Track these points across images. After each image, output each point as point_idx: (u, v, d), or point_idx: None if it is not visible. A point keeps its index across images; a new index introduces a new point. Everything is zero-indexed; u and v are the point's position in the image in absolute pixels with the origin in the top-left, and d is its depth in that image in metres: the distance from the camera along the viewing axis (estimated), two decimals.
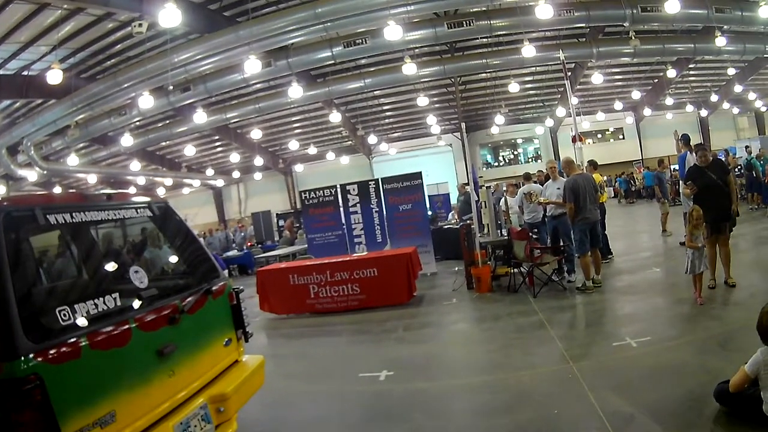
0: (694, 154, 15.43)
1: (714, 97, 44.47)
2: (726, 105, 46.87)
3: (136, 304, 4.96)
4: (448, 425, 6.93)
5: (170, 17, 15.79)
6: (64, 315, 4.17)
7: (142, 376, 4.61)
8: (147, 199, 6.03)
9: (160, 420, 4.69)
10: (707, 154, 11.59)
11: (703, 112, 47.89)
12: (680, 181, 16.64)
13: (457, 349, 10.66)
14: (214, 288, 5.96)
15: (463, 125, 18.44)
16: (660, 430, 5.85)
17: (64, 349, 4.02)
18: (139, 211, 5.87)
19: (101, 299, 4.54)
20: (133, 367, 4.59)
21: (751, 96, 44.83)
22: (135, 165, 40.37)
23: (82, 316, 4.30)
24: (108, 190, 5.76)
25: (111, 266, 5.56)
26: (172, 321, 5.14)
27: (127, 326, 4.64)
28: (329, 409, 7.89)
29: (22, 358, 3.73)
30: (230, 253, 29.02)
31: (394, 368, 9.16)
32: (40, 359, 3.82)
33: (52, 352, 3.92)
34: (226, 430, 5.41)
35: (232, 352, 6.10)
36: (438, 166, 45.56)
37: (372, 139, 43.98)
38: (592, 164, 16.92)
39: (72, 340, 4.12)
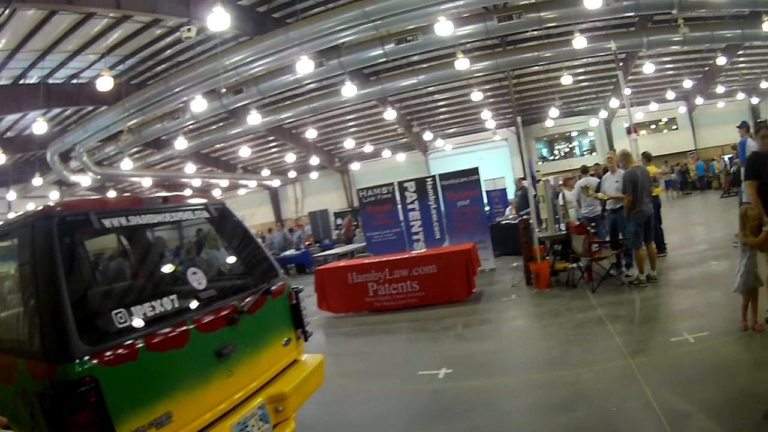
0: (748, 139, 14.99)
1: (764, 84, 43.42)
2: None
3: (195, 305, 5.00)
4: (507, 423, 6.94)
5: (219, 21, 15.91)
6: (121, 317, 4.24)
7: (200, 377, 4.65)
8: (204, 200, 6.06)
9: (217, 420, 4.73)
10: None
11: (755, 100, 47.08)
12: (741, 169, 16.33)
13: (517, 346, 10.66)
14: (273, 288, 5.97)
15: (518, 119, 18.45)
16: (718, 429, 5.80)
17: (120, 351, 4.08)
18: (196, 212, 5.93)
19: (159, 301, 4.60)
20: (192, 368, 4.63)
21: None
22: (190, 167, 40.74)
23: (139, 318, 4.37)
24: (164, 193, 5.76)
25: (168, 268, 5.69)
26: (232, 321, 5.16)
27: (185, 327, 4.68)
28: (388, 408, 7.90)
29: (77, 360, 3.80)
30: (288, 253, 29.16)
31: (453, 366, 9.16)
32: (95, 361, 3.88)
33: (107, 354, 3.99)
34: (283, 430, 5.41)
35: (291, 351, 6.12)
36: (494, 161, 45.31)
37: (427, 135, 43.86)
38: (646, 156, 16.69)
39: (128, 342, 4.17)
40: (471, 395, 7.75)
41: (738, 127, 15.17)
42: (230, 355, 5.00)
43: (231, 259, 6.59)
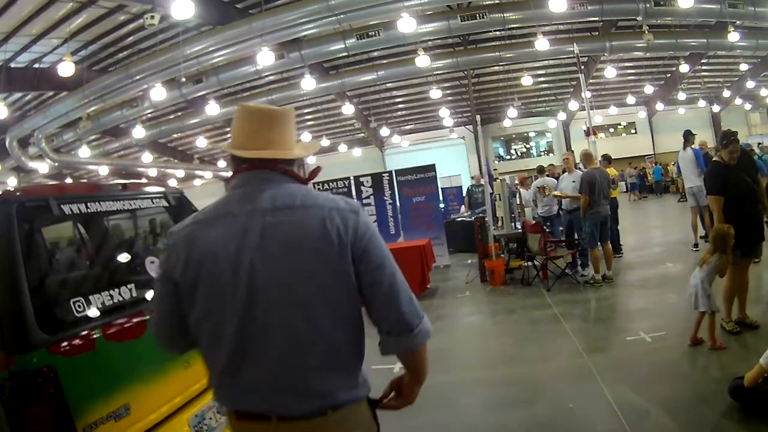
0: (688, 149, 15.16)
1: (726, 93, 44.41)
2: (738, 101, 46.84)
3: (152, 295, 4.86)
4: (462, 419, 6.99)
5: (183, 9, 15.76)
6: (79, 306, 4.12)
7: (157, 368, 4.54)
8: (162, 189, 5.96)
9: (175, 412, 4.64)
10: (738, 149, 8.44)
11: (715, 108, 47.94)
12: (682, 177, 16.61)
13: (472, 342, 10.72)
14: None
15: (477, 118, 18.50)
16: (675, 426, 5.88)
17: (78, 341, 3.95)
18: (154, 201, 5.77)
19: (117, 290, 4.50)
20: (149, 358, 4.49)
21: (764, 92, 44.66)
22: (146, 157, 40.39)
23: (97, 307, 4.25)
24: (122, 181, 5.65)
25: (126, 257, 5.53)
26: None
27: (142, 317, 4.57)
28: None
29: (36, 350, 3.67)
30: None
31: None
32: (53, 352, 3.75)
33: (65, 344, 3.85)
34: None
35: None
36: (450, 158, 45.07)
37: (384, 131, 43.96)
38: (606, 159, 16.80)
39: (86, 332, 4.06)
40: (426, 390, 7.54)
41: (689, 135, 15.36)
42: None
43: None
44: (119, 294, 4.51)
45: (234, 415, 2.75)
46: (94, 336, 4.09)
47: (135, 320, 4.52)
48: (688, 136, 15.17)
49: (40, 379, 3.61)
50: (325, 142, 44.38)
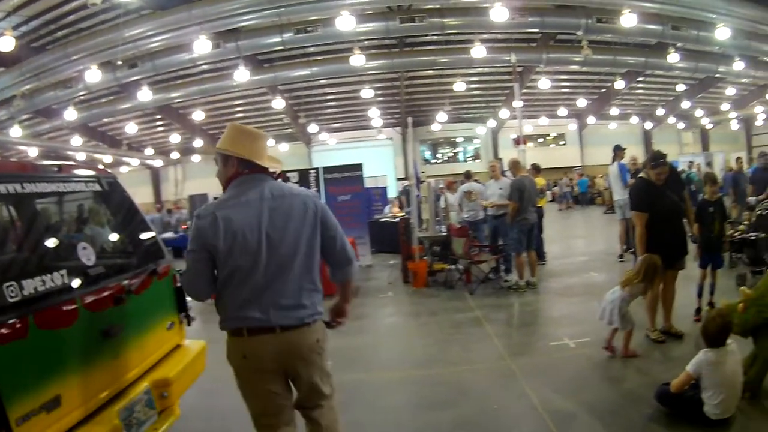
0: (615, 163, 15.56)
1: (660, 111, 45.43)
2: (672, 119, 47.95)
3: (84, 282, 4.74)
4: (388, 418, 7.02)
5: None
6: (12, 291, 3.95)
7: (88, 358, 4.46)
8: (94, 172, 5.84)
9: (105, 405, 4.55)
10: (666, 171, 8.54)
11: (648, 125, 48.97)
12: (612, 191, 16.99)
13: (395, 342, 10.85)
14: (159, 269, 5.78)
15: (409, 120, 18.58)
16: (602, 429, 6.05)
17: (11, 327, 3.81)
18: (88, 184, 5.65)
19: (49, 276, 4.33)
20: (80, 348, 4.42)
21: (698, 113, 45.87)
22: (76, 140, 39.62)
23: (30, 292, 4.09)
24: (56, 162, 5.46)
25: (59, 241, 5.40)
26: (119, 301, 4.95)
27: (74, 305, 4.45)
28: None
29: None
30: (166, 235, 28.38)
31: (330, 358, 9.08)
32: None
33: None
34: (168, 417, 5.26)
35: (174, 335, 5.97)
36: (377, 159, 44.76)
37: (313, 127, 44.15)
38: (536, 168, 17.05)
39: (19, 318, 3.90)
40: (349, 389, 7.61)
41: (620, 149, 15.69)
42: (117, 336, 4.81)
43: (119, 236, 6.32)
44: (52, 280, 4.36)
45: (246, 332, 4.26)
46: (27, 322, 3.95)
47: (66, 308, 4.40)
48: (617, 151, 15.55)
49: None
50: None
